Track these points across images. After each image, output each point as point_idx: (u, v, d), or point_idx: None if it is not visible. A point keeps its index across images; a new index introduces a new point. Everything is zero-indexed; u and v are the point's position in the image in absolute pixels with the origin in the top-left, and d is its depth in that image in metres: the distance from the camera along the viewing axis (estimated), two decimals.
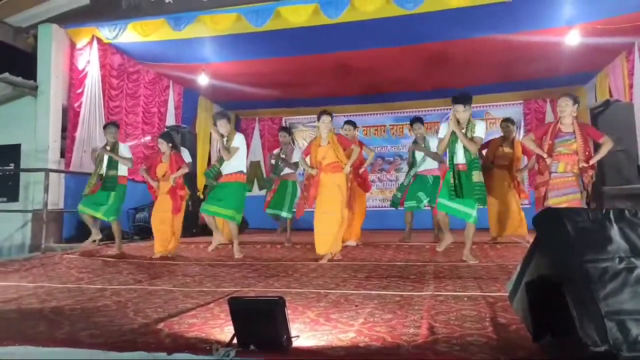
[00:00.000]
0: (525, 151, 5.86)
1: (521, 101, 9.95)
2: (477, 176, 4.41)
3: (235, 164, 5.29)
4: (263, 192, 8.29)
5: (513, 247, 5.46)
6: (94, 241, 5.96)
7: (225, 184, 5.28)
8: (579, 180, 4.38)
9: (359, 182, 6.07)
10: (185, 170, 5.70)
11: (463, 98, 4.49)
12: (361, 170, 6.12)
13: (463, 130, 4.47)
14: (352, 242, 6.03)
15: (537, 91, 9.43)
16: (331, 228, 4.84)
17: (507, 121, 6.03)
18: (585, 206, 4.59)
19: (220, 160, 5.31)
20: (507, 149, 5.86)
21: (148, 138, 8.11)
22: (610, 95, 7.71)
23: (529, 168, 6.00)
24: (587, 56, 7.34)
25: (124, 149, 5.85)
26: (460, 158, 4.51)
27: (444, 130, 4.64)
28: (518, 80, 8.71)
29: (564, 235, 1.71)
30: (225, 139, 5.27)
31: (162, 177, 5.60)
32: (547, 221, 1.83)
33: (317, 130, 5.15)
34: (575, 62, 7.55)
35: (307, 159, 5.24)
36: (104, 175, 5.73)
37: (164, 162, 5.64)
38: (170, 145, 5.68)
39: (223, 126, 5.26)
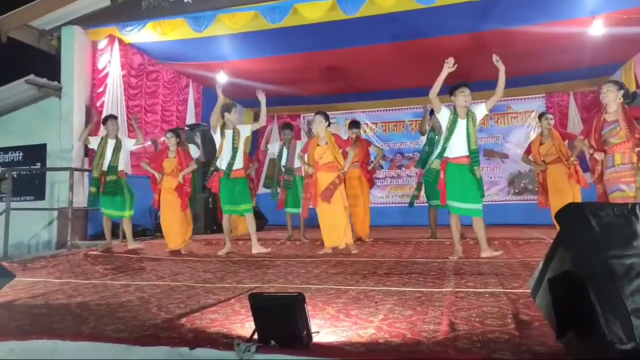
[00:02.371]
0: (565, 137, 5.78)
1: (543, 94, 9.76)
2: (477, 171, 4.32)
3: (241, 160, 5.37)
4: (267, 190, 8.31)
5: (535, 243, 5.37)
6: (109, 248, 5.97)
7: (236, 180, 5.32)
8: (637, 172, 4.05)
9: (367, 177, 6.16)
10: (194, 167, 5.86)
11: (467, 82, 4.45)
12: (370, 168, 6.27)
13: (465, 120, 4.37)
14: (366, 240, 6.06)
15: (560, 84, 9.24)
16: (336, 221, 4.94)
17: (545, 116, 5.96)
18: None
19: (234, 155, 5.28)
20: (548, 144, 5.79)
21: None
22: (637, 87, 7.50)
23: (577, 154, 5.85)
24: (612, 47, 7.16)
25: (127, 143, 5.94)
26: (461, 150, 4.35)
27: (445, 113, 4.50)
28: (540, 73, 8.55)
29: (588, 230, 1.67)
30: (232, 132, 5.28)
31: (171, 172, 5.66)
32: (570, 216, 1.79)
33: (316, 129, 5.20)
34: (600, 53, 7.36)
35: (305, 157, 5.29)
36: (105, 178, 5.73)
37: (171, 157, 5.70)
38: (178, 141, 5.76)
39: (236, 115, 5.34)
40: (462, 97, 4.41)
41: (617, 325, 1.46)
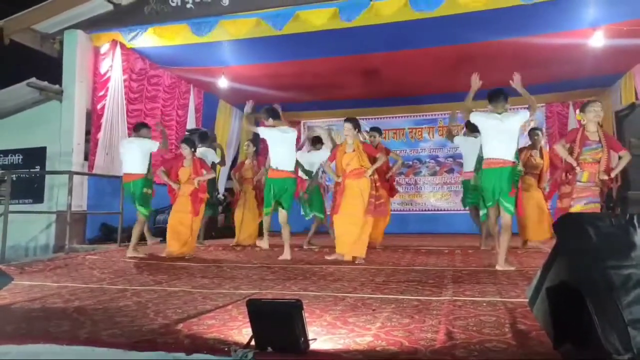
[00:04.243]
0: (553, 161, 5.80)
1: (543, 104, 9.77)
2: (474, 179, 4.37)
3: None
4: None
5: (533, 253, 5.37)
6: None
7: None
8: (600, 191, 4.29)
9: (386, 187, 6.05)
10: (212, 175, 5.95)
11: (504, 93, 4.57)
12: (388, 176, 6.13)
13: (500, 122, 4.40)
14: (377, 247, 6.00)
15: (559, 94, 9.27)
16: (352, 231, 4.88)
17: (535, 130, 5.99)
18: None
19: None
20: (538, 160, 5.85)
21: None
22: (637, 98, 7.53)
23: (555, 179, 5.88)
24: (612, 58, 7.19)
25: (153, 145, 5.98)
26: (499, 153, 4.37)
27: (481, 117, 4.53)
28: (540, 83, 8.56)
29: (585, 240, 1.67)
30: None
31: (186, 181, 5.69)
32: (568, 226, 1.80)
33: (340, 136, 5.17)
34: (600, 64, 7.40)
35: (332, 165, 5.27)
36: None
37: (186, 166, 5.73)
38: (193, 150, 5.79)
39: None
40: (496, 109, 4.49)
41: (614, 336, 1.46)
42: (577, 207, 4.28)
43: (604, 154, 4.25)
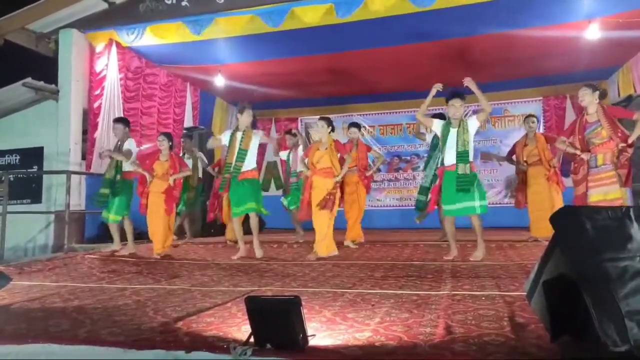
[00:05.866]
0: (549, 140, 5.84)
1: (540, 97, 9.77)
2: (461, 168, 4.41)
3: (252, 161, 5.32)
4: (280, 191, 8.34)
5: (532, 246, 5.38)
6: (115, 251, 5.89)
7: (244, 180, 5.26)
8: (617, 176, 4.22)
9: (365, 182, 6.18)
10: (187, 173, 5.94)
11: (460, 93, 4.55)
12: (368, 173, 6.28)
13: (457, 128, 4.49)
14: (350, 244, 5.96)
15: (556, 87, 9.26)
16: (318, 228, 5.07)
17: (530, 117, 5.99)
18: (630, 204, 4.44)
19: (241, 156, 5.23)
20: (531, 146, 5.82)
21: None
22: (634, 90, 7.53)
23: (559, 157, 5.89)
24: (609, 50, 7.18)
25: (128, 144, 5.87)
26: (450, 159, 4.52)
27: (438, 126, 4.72)
28: (537, 76, 8.58)
29: (582, 233, 1.68)
30: (241, 133, 5.26)
31: (162, 175, 5.63)
32: (565, 219, 1.80)
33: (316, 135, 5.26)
34: (597, 56, 7.39)
35: (307, 160, 5.32)
36: (113, 180, 5.76)
37: (163, 160, 5.69)
38: (170, 144, 5.76)
39: (249, 117, 5.28)
40: (452, 109, 4.55)
41: (611, 328, 1.46)
42: (595, 197, 4.23)
43: (606, 129, 4.22)
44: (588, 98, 4.35)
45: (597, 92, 4.37)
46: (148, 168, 5.69)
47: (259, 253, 5.26)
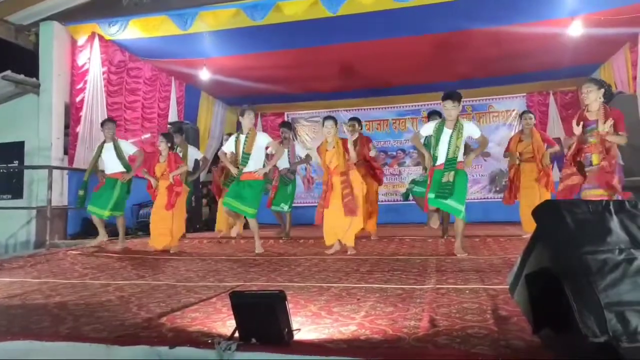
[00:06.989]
0: (545, 139, 5.88)
1: (524, 94, 9.89)
2: (445, 177, 4.39)
3: (258, 163, 5.26)
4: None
5: (516, 240, 5.45)
6: (102, 242, 5.91)
7: (247, 182, 5.22)
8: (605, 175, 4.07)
9: (372, 174, 6.07)
10: (184, 169, 5.90)
11: (453, 94, 4.44)
12: (371, 154, 6.09)
13: (451, 130, 4.44)
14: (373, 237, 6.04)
15: (540, 83, 9.38)
16: (340, 223, 4.89)
17: (527, 114, 6.03)
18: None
19: (244, 160, 5.21)
20: (526, 141, 5.87)
21: (147, 135, 8.11)
22: (615, 87, 7.65)
23: (552, 152, 5.90)
24: (591, 48, 7.29)
25: (126, 146, 5.89)
26: (440, 159, 4.50)
27: (429, 126, 4.66)
28: (521, 72, 8.67)
29: (563, 227, 1.70)
30: (245, 136, 5.23)
31: (161, 176, 5.69)
32: (546, 213, 1.82)
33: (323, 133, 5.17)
34: (579, 53, 7.50)
35: (319, 160, 5.33)
36: (104, 173, 5.78)
37: (162, 162, 5.74)
38: (170, 145, 5.77)
39: (250, 119, 5.23)
40: (445, 110, 4.49)
41: (591, 319, 1.49)
42: (588, 192, 4.12)
43: (599, 130, 4.02)
44: (593, 95, 4.04)
45: (603, 90, 4.07)
46: (151, 173, 5.77)
47: (259, 250, 5.24)
